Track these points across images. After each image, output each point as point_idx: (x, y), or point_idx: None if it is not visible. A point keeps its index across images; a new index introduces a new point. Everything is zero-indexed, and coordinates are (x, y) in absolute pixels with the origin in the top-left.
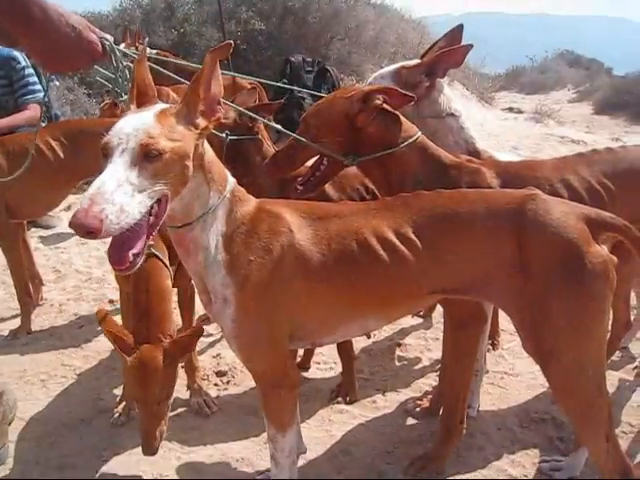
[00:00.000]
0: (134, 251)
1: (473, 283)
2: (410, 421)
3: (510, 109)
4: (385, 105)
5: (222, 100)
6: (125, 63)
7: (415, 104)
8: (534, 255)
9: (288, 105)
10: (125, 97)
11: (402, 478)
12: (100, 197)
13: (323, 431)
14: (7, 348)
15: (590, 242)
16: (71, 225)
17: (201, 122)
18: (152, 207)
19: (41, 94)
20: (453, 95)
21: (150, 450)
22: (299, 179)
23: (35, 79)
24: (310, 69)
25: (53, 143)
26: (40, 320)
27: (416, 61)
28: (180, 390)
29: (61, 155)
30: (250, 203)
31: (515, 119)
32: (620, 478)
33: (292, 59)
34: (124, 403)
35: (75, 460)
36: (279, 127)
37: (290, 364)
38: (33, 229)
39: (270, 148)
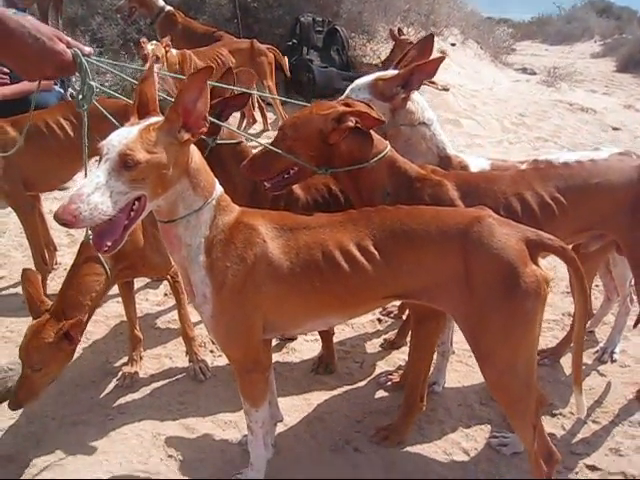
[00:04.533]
0: (111, 240)
1: (424, 291)
2: (381, 393)
3: (524, 70)
4: (358, 125)
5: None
6: (90, 80)
7: (391, 113)
8: (477, 272)
9: (297, 66)
10: (84, 109)
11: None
12: (77, 198)
13: (303, 399)
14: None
15: (526, 263)
16: (54, 216)
17: (184, 135)
18: (134, 204)
19: None
20: (426, 104)
21: (12, 405)
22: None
23: None
24: (320, 29)
25: (64, 123)
26: (54, 284)
27: (392, 73)
28: (180, 357)
29: (71, 134)
30: (232, 214)
31: (527, 81)
32: (544, 460)
33: (302, 19)
34: (130, 365)
35: (87, 417)
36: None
37: (261, 352)
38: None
39: (247, 149)
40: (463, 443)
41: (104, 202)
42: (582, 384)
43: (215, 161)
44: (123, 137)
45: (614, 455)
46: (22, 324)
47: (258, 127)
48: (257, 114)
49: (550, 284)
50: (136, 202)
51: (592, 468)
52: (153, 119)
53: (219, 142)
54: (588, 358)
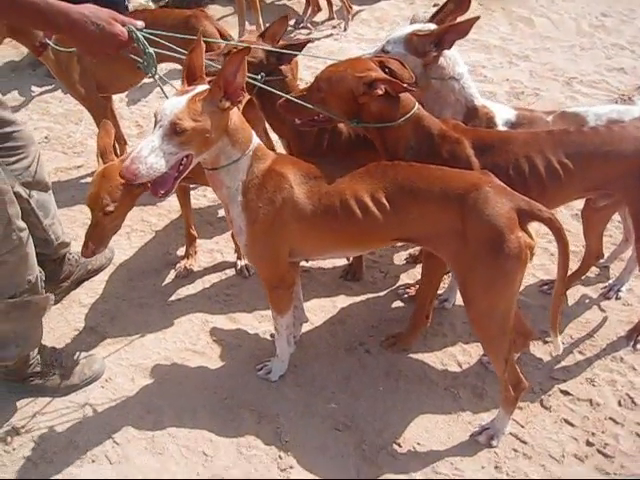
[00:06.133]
0: (164, 189)
1: (426, 239)
2: (397, 303)
3: None
4: (387, 91)
5: (251, 44)
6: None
7: (423, 67)
8: (470, 231)
9: None
10: (155, 73)
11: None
12: (137, 159)
13: (329, 301)
14: None
15: (513, 229)
16: (119, 174)
17: (225, 104)
18: (182, 160)
19: None
20: (458, 58)
21: (84, 252)
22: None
23: None
24: None
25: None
26: None
27: (427, 28)
28: (230, 252)
29: None
30: (266, 162)
31: None
32: (513, 386)
33: None
34: (186, 259)
35: (150, 301)
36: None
37: (286, 273)
38: None
39: (295, 86)
40: (459, 356)
41: (158, 162)
42: (557, 329)
43: (265, 95)
44: (174, 107)
45: (588, 384)
46: None
47: (323, 15)
48: (322, 1)
49: (534, 250)
50: (184, 158)
51: (565, 393)
52: (200, 88)
53: (267, 79)
54: (595, 292)
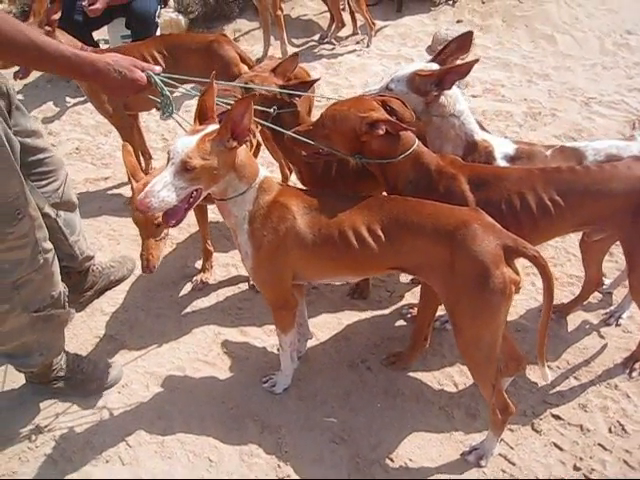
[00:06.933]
0: (175, 219)
1: (418, 269)
2: (401, 323)
3: None
4: (388, 131)
5: (263, 81)
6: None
7: (424, 105)
8: (459, 265)
9: None
10: (172, 112)
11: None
12: (150, 193)
13: (335, 318)
14: (126, 212)
15: (499, 265)
16: (134, 206)
17: (232, 143)
18: (192, 194)
19: None
20: (459, 96)
21: (146, 270)
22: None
23: None
24: None
25: (157, 55)
26: None
27: (429, 68)
28: (244, 267)
29: (163, 65)
30: (272, 194)
31: None
32: (500, 410)
33: None
34: (203, 273)
35: (167, 312)
36: (285, 131)
37: (289, 296)
38: None
39: (306, 118)
40: (456, 377)
41: (169, 196)
42: (544, 359)
43: (277, 126)
44: (185, 146)
45: (580, 410)
46: (124, 223)
47: (347, 30)
48: (346, 17)
49: (519, 284)
50: (194, 192)
51: (556, 417)
52: (210, 127)
53: (279, 111)
54: (596, 318)
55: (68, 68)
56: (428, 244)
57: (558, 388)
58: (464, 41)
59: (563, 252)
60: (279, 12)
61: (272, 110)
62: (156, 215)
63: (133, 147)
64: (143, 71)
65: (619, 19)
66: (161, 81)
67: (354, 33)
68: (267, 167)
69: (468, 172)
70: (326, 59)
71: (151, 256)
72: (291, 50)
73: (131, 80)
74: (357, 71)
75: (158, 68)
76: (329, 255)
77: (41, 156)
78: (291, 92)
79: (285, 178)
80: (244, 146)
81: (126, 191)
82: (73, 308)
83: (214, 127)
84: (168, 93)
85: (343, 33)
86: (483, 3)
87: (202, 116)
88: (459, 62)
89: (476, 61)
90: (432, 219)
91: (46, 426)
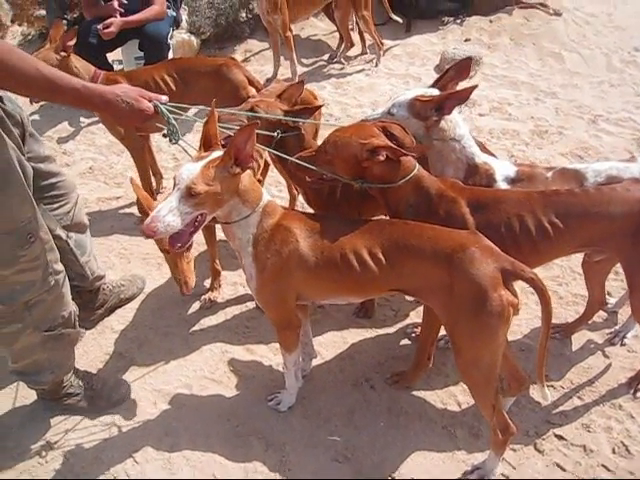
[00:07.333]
0: (180, 243)
1: (419, 291)
2: (405, 342)
3: None
4: (388, 157)
5: (269, 106)
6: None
7: (425, 130)
8: (457, 288)
9: None
10: (178, 140)
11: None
12: (156, 218)
13: (340, 337)
14: (136, 231)
15: (496, 288)
16: (141, 230)
17: (235, 169)
18: (197, 218)
19: None
20: (459, 120)
21: (185, 291)
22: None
23: None
24: None
25: (167, 79)
26: None
27: (430, 93)
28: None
29: (173, 88)
30: (275, 217)
31: None
32: (501, 430)
33: None
34: (211, 292)
35: (175, 330)
36: (288, 157)
37: (293, 316)
38: None
39: (311, 141)
40: (459, 396)
41: (174, 220)
42: (544, 380)
43: (281, 150)
44: (190, 172)
45: (583, 430)
46: (135, 242)
47: (356, 50)
48: (355, 37)
49: (517, 307)
50: (199, 216)
51: (559, 437)
52: (214, 154)
53: (283, 135)
54: (600, 337)
55: (78, 100)
56: (427, 267)
57: (561, 408)
58: (463, 67)
59: (568, 271)
60: (288, 33)
61: (276, 134)
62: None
63: (144, 167)
64: (150, 101)
65: (626, 36)
66: (167, 110)
67: (363, 53)
68: (275, 186)
69: (468, 195)
70: (335, 78)
71: (187, 278)
72: (301, 70)
73: (139, 110)
74: (366, 90)
75: (164, 98)
76: (331, 277)
77: (53, 180)
78: (294, 119)
79: (293, 198)
80: (248, 171)
81: (137, 210)
82: (84, 326)
83: (218, 153)
84: (174, 122)
85: (352, 53)
86: (491, 22)
87: (206, 143)
88: (459, 87)
89: (475, 87)
90: (431, 242)
91: (56, 442)
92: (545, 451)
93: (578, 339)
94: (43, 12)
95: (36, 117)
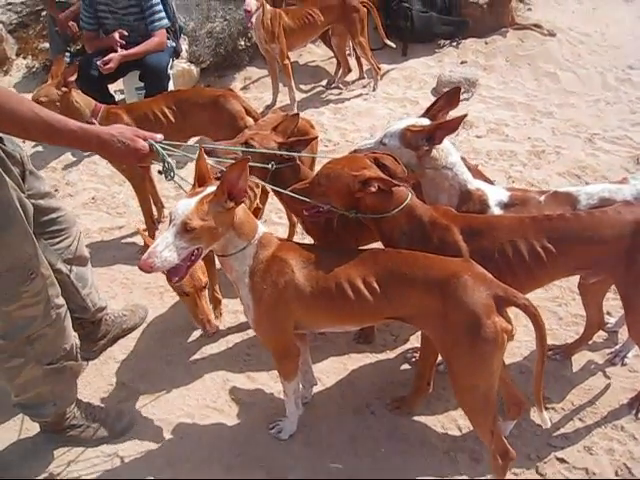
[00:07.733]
0: (178, 276)
1: (413, 318)
2: (405, 367)
3: None
4: (380, 188)
5: (263, 139)
6: (169, 157)
7: (417, 159)
8: (451, 315)
9: (396, 12)
10: (174, 176)
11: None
12: (153, 254)
13: (340, 363)
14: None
15: (490, 315)
16: (139, 267)
17: (229, 204)
18: (194, 252)
19: (166, 21)
20: (451, 149)
21: (210, 331)
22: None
23: (161, 7)
24: None
25: (167, 111)
26: None
27: (420, 124)
28: None
29: (172, 120)
30: (271, 249)
31: None
32: (500, 456)
33: None
34: (212, 320)
35: (177, 359)
36: (282, 190)
37: (291, 345)
38: None
39: (307, 172)
40: (460, 421)
41: (171, 255)
42: (542, 405)
43: (277, 181)
44: (185, 208)
45: (585, 452)
46: (138, 272)
47: (354, 75)
48: (352, 62)
49: (511, 333)
50: (195, 250)
51: (561, 460)
52: (209, 189)
53: (278, 167)
54: (601, 358)
55: (76, 141)
56: (421, 295)
57: (563, 430)
58: (453, 96)
59: (567, 291)
60: (286, 61)
61: (270, 166)
62: (200, 276)
63: (145, 197)
64: (145, 139)
65: (621, 55)
66: (162, 147)
67: (360, 77)
68: (276, 213)
69: (461, 222)
70: (333, 104)
71: (209, 316)
72: (300, 96)
73: (134, 149)
74: (364, 115)
75: (159, 136)
76: (327, 306)
77: (54, 215)
78: (288, 153)
79: (292, 225)
80: (242, 205)
81: (139, 240)
82: (87, 356)
83: (212, 188)
84: (169, 160)
85: (350, 78)
86: (486, 44)
87: (200, 179)
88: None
89: (464, 116)
90: (424, 271)
91: (59, 474)
92: (547, 475)
93: (578, 360)
94: (47, 45)
95: (39, 149)
